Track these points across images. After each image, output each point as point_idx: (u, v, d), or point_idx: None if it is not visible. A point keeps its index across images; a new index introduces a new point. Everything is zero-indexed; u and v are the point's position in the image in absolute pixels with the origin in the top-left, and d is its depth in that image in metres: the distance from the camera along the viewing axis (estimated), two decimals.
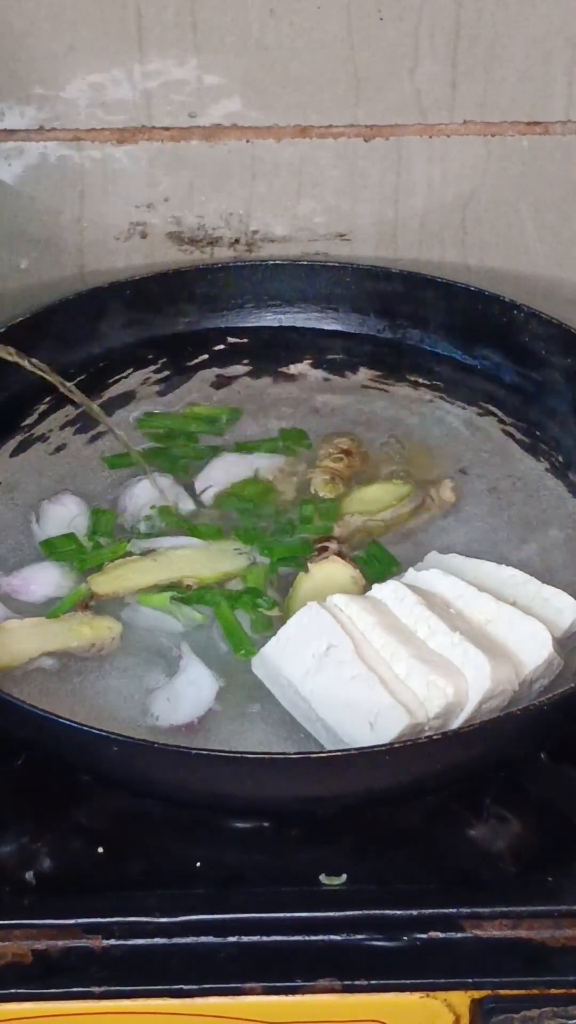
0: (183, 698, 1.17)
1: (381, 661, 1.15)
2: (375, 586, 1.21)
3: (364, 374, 1.49)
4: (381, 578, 1.24)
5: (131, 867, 1.13)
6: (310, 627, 1.16)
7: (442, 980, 1.07)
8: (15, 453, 1.40)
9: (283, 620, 1.19)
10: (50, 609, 1.24)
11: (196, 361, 1.50)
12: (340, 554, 1.26)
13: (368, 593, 1.21)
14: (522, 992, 1.07)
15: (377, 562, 1.28)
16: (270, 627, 1.21)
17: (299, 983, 1.06)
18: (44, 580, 1.27)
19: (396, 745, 1.08)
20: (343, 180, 1.51)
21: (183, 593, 1.25)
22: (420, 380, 1.48)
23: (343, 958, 1.07)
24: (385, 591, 1.20)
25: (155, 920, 1.08)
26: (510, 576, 1.24)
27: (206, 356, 1.51)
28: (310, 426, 1.43)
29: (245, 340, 1.52)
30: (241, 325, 1.53)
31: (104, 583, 1.26)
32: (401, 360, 1.50)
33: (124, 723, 1.15)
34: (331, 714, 1.13)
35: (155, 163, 1.49)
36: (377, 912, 1.09)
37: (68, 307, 1.47)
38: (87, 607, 1.24)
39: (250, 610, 1.24)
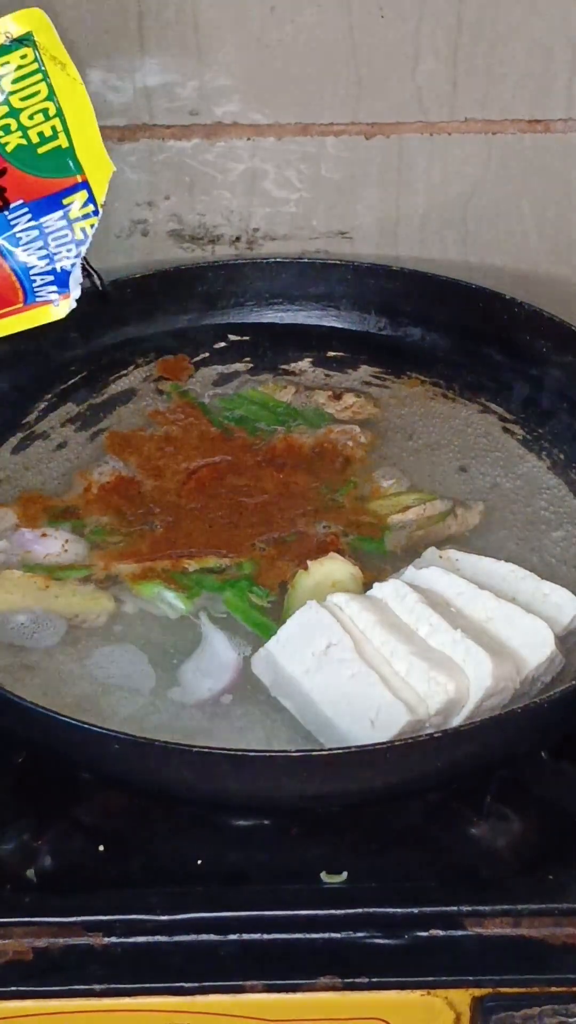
0: (208, 669, 1.19)
1: (381, 659, 1.15)
2: (376, 585, 1.21)
3: (365, 371, 1.49)
4: (381, 550, 1.26)
5: (132, 865, 1.13)
6: (310, 626, 1.17)
7: (443, 978, 1.07)
8: (16, 451, 1.40)
9: (283, 618, 1.20)
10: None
11: (197, 359, 1.50)
12: (339, 551, 1.26)
13: (369, 592, 1.21)
14: (523, 990, 1.07)
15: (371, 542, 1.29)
16: (264, 616, 1.23)
17: (300, 981, 1.06)
18: (57, 545, 1.28)
19: (397, 743, 1.08)
20: (344, 178, 1.51)
21: (178, 578, 1.25)
22: (421, 377, 1.48)
23: (344, 956, 1.07)
24: (386, 590, 1.20)
25: (156, 918, 1.08)
26: (509, 571, 1.24)
27: (207, 354, 1.51)
28: None
29: (246, 337, 1.52)
30: (242, 322, 1.53)
31: (106, 555, 1.27)
32: (402, 357, 1.50)
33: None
34: (331, 712, 1.13)
35: (156, 161, 1.49)
36: (378, 910, 1.09)
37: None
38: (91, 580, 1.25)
39: (242, 597, 1.24)
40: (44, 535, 1.29)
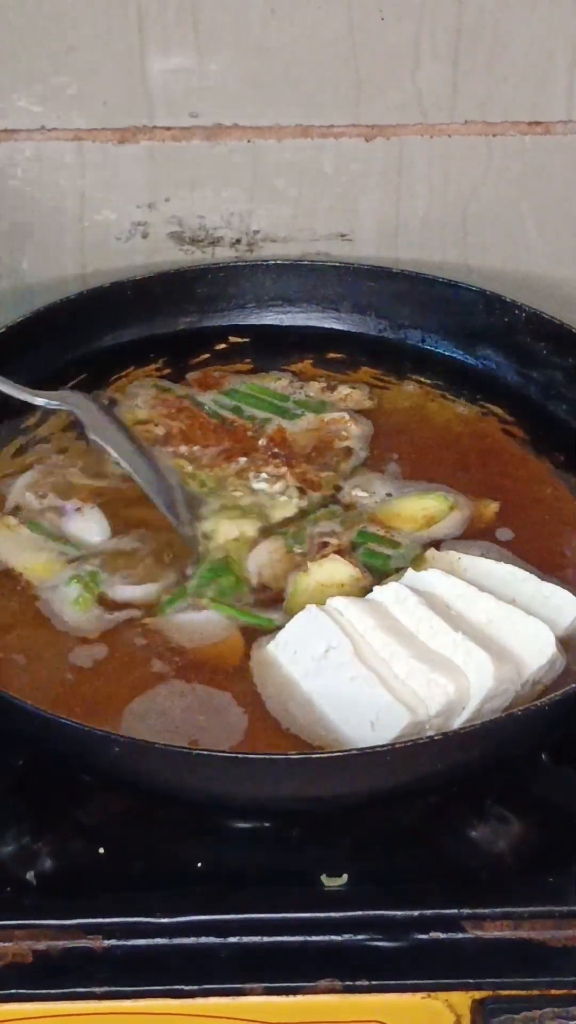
0: None
1: (381, 662, 1.15)
2: (376, 588, 1.21)
3: (365, 373, 1.49)
4: (386, 566, 1.25)
5: (132, 867, 1.13)
6: (309, 630, 1.16)
7: (443, 980, 1.07)
8: (17, 455, 1.40)
9: (283, 621, 1.20)
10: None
11: (197, 360, 1.50)
12: (340, 552, 1.26)
13: (369, 596, 1.21)
14: (523, 992, 1.07)
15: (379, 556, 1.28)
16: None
17: (300, 984, 1.06)
18: (78, 525, 1.31)
19: (397, 745, 1.08)
20: (344, 180, 1.51)
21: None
22: (421, 380, 1.48)
23: (344, 959, 1.07)
24: (386, 593, 1.20)
25: (156, 920, 1.08)
26: (509, 573, 1.23)
27: (208, 355, 1.51)
28: None
29: (247, 339, 1.52)
30: (242, 324, 1.53)
31: None
32: (402, 360, 1.50)
33: None
34: (332, 715, 1.13)
35: (156, 163, 1.49)
36: (378, 912, 1.09)
37: (69, 307, 1.47)
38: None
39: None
40: (79, 509, 1.31)
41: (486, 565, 1.24)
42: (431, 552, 1.26)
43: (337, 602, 1.19)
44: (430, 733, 1.11)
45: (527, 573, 1.23)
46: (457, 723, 1.13)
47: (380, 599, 1.20)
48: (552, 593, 1.22)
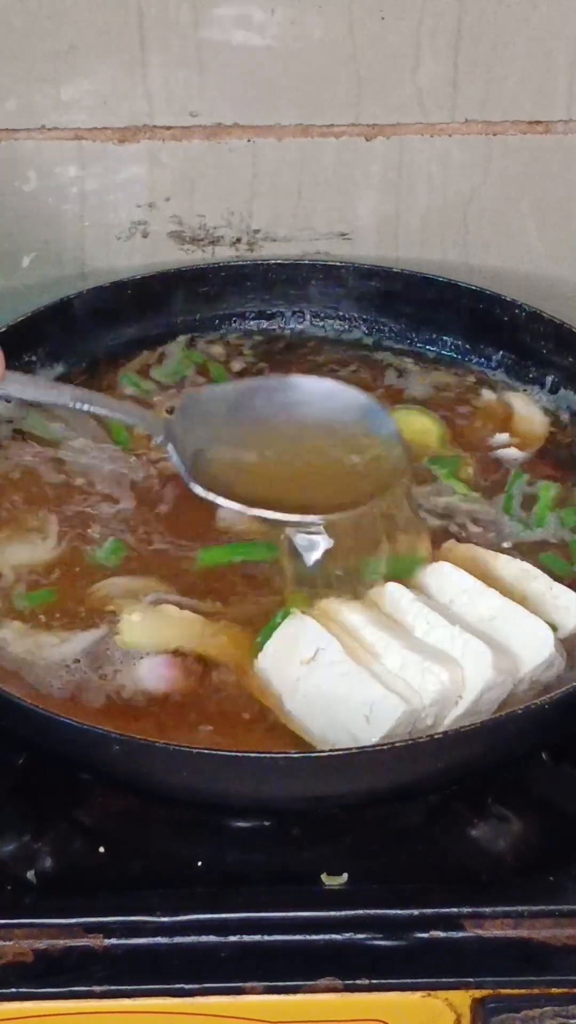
0: None
1: (372, 657, 1.15)
2: (371, 591, 1.21)
3: (365, 374, 1.49)
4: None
5: (132, 866, 1.13)
6: (295, 636, 1.16)
7: (443, 979, 1.07)
8: None
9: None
10: None
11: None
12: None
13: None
14: (523, 991, 1.07)
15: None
16: None
17: (300, 983, 1.06)
18: None
19: (397, 745, 1.08)
20: (344, 179, 1.51)
21: None
22: (421, 380, 1.48)
23: (344, 957, 1.07)
24: (381, 593, 1.20)
25: (156, 919, 1.08)
26: (523, 570, 1.23)
27: (208, 356, 1.51)
28: None
29: (247, 340, 1.52)
30: (243, 324, 1.53)
31: None
32: (401, 359, 1.50)
33: None
34: (325, 715, 1.12)
35: (156, 162, 1.49)
36: (378, 911, 1.09)
37: (69, 306, 1.47)
38: None
39: None
40: None
41: (502, 560, 1.24)
42: (449, 543, 1.26)
43: (325, 605, 1.19)
44: (426, 723, 1.11)
45: (539, 571, 1.23)
46: (455, 714, 1.13)
47: (375, 599, 1.20)
48: (562, 594, 1.21)
